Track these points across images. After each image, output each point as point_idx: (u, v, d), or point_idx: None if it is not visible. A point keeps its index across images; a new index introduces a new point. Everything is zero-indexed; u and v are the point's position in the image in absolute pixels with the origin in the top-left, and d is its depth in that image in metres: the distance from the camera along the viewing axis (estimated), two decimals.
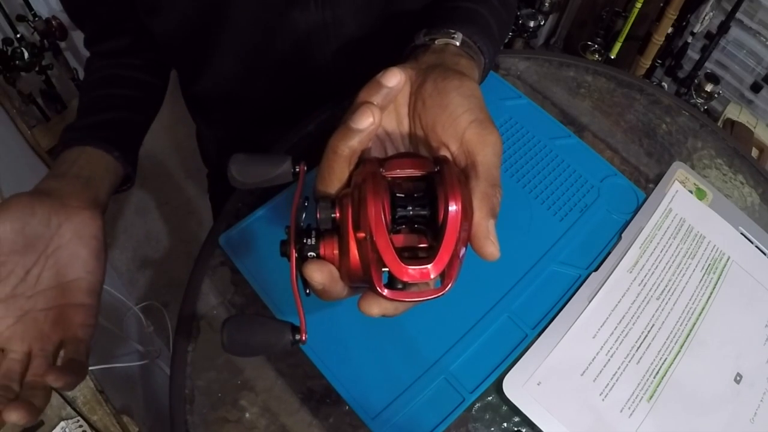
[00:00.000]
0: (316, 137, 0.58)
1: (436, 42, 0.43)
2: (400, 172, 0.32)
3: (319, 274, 0.31)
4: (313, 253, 0.31)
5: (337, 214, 0.31)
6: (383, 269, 0.30)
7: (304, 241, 0.31)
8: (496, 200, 0.32)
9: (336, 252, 0.31)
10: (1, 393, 0.38)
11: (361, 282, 0.31)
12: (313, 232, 0.31)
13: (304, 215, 0.33)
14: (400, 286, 0.30)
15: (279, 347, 0.31)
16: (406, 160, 0.33)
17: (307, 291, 0.33)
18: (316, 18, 0.54)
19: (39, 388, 0.38)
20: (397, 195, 0.31)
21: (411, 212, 0.31)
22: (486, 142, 0.33)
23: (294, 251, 0.31)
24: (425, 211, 0.31)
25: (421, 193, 0.31)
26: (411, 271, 0.29)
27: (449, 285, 0.30)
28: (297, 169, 0.35)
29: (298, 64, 0.59)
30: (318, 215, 0.31)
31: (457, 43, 0.42)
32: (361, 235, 0.30)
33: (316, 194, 0.33)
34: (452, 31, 0.43)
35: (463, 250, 0.31)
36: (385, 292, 0.29)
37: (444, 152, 0.34)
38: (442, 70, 0.37)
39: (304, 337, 0.31)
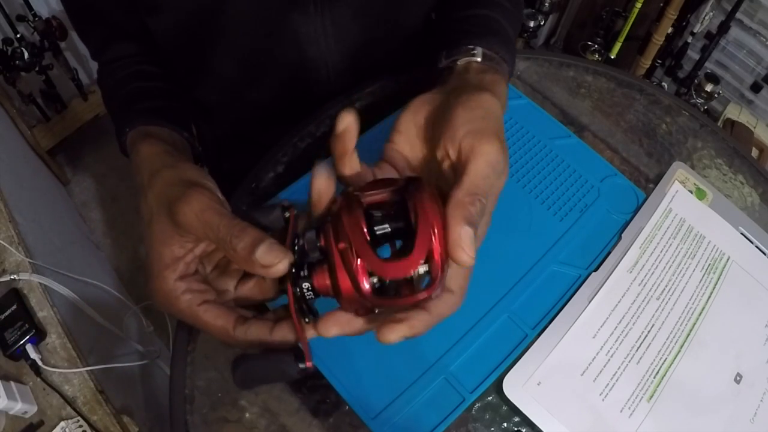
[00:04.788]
0: (316, 137, 0.58)
1: (458, 63, 0.43)
2: (374, 193, 0.34)
3: (336, 328, 0.33)
4: (308, 284, 0.33)
5: (322, 242, 0.33)
6: (372, 279, 0.31)
7: (300, 273, 0.33)
8: (473, 208, 0.32)
9: (328, 282, 0.33)
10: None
11: (358, 302, 0.32)
12: (305, 265, 0.33)
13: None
14: (392, 293, 0.32)
15: (289, 377, 0.33)
16: (380, 182, 0.35)
17: (307, 319, 0.34)
18: (315, 21, 0.54)
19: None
20: (374, 215, 0.33)
21: (388, 227, 0.33)
22: (478, 152, 0.34)
23: (290, 287, 0.33)
24: (401, 224, 0.33)
25: (395, 209, 0.34)
26: (392, 266, 0.31)
27: (438, 282, 0.31)
28: (287, 216, 0.36)
29: (297, 67, 0.59)
30: (305, 247, 0.33)
31: (479, 59, 0.43)
32: (342, 245, 0.31)
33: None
34: (471, 47, 0.44)
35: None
36: (366, 288, 0.31)
37: (446, 163, 0.36)
38: (460, 91, 0.38)
39: (309, 365, 0.33)
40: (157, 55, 0.59)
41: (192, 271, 0.36)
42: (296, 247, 0.34)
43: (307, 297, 0.33)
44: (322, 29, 0.55)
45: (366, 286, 0.31)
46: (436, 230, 0.31)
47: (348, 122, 0.35)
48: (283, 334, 0.34)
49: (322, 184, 0.34)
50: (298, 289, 0.33)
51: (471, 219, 0.31)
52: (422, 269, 0.31)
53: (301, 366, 0.33)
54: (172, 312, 0.36)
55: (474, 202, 0.32)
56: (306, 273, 0.33)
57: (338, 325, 0.33)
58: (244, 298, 0.38)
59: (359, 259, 0.31)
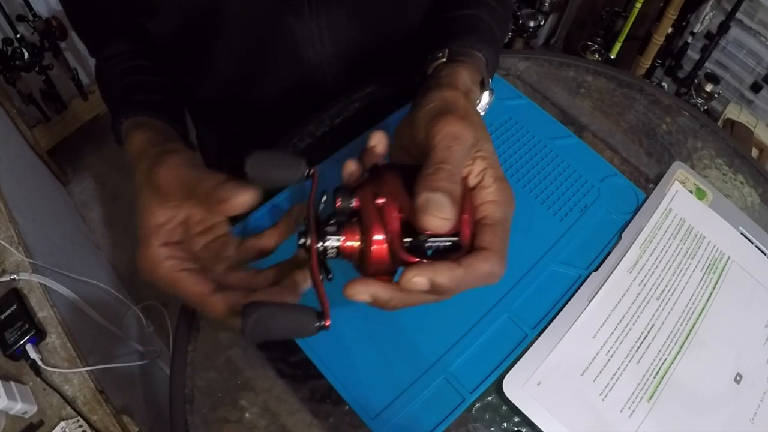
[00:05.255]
0: (316, 137, 0.58)
1: (428, 73, 0.46)
2: (405, 168, 0.36)
3: (365, 291, 0.33)
4: (334, 238, 0.33)
5: (356, 203, 0.34)
6: (405, 240, 0.32)
7: (326, 228, 0.33)
8: (434, 177, 0.33)
9: (357, 243, 0.33)
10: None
11: (384, 263, 0.33)
12: (334, 220, 0.34)
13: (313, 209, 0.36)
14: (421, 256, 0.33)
15: (305, 334, 0.32)
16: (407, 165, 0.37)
17: (330, 276, 0.34)
18: (310, 23, 0.54)
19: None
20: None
21: None
22: (433, 133, 0.35)
23: (314, 241, 0.33)
24: None
25: None
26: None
27: (467, 235, 0.33)
28: (310, 172, 0.37)
29: (294, 68, 0.59)
30: (337, 204, 0.34)
31: (444, 60, 0.45)
32: (381, 200, 0.33)
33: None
34: (438, 52, 0.46)
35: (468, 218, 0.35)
36: (398, 243, 0.32)
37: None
38: (420, 98, 0.40)
39: (328, 323, 0.32)
40: (154, 51, 0.59)
41: (175, 239, 0.38)
42: (322, 205, 0.34)
43: (329, 255, 0.33)
44: (317, 31, 0.55)
45: (401, 241, 0.32)
46: (465, 204, 0.34)
47: (378, 138, 0.39)
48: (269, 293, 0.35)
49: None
50: (321, 244, 0.33)
51: (433, 186, 0.32)
52: (448, 243, 0.33)
53: (320, 324, 0.32)
54: (154, 278, 0.37)
55: (436, 171, 0.33)
56: (335, 228, 0.33)
57: (367, 285, 0.33)
58: (227, 283, 0.38)
59: (401, 215, 0.32)
